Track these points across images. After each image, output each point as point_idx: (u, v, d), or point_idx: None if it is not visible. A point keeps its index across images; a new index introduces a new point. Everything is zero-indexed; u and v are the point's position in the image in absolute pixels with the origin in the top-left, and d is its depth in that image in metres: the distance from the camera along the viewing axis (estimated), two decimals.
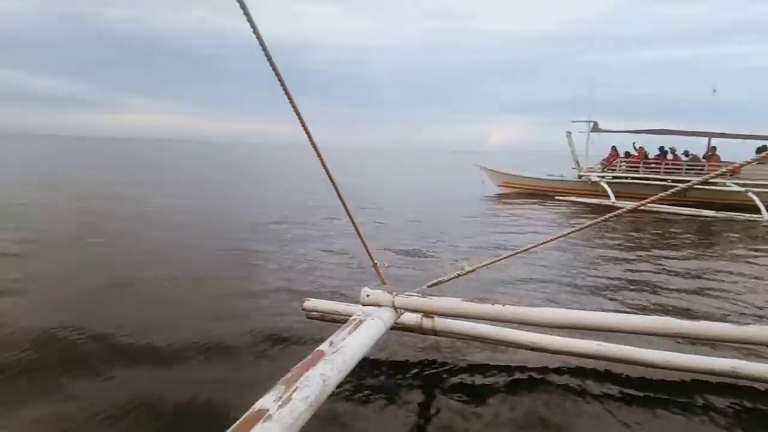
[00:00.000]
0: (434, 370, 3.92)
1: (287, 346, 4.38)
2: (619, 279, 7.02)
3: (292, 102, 2.68)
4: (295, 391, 2.22)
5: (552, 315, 3.36)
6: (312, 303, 4.45)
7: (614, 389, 3.67)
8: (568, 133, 20.40)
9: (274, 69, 2.52)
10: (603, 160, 20.44)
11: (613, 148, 20.44)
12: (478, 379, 3.79)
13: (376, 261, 3.65)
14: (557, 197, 18.33)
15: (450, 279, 3.59)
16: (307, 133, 2.84)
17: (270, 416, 2.04)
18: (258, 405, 2.16)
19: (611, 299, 6.02)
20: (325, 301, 4.49)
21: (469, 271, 3.52)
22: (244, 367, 3.97)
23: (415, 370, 3.91)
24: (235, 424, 2.04)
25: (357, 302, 4.22)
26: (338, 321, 4.33)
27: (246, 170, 32.28)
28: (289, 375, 2.39)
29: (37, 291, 5.78)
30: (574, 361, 3.96)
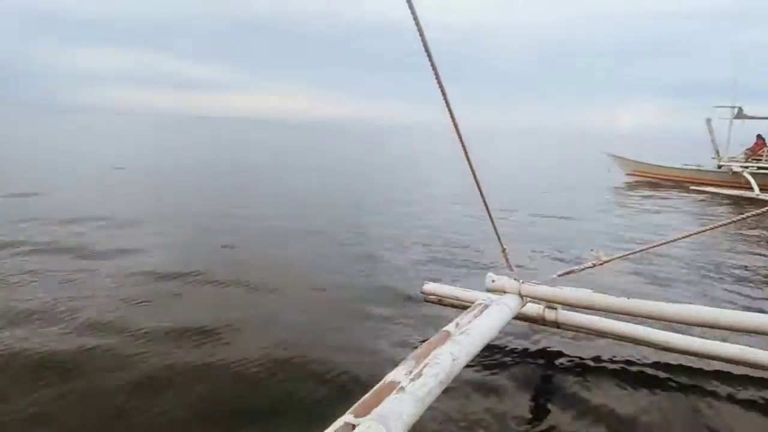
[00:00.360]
0: (553, 361, 3.83)
1: (406, 325, 4.47)
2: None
3: (440, 85, 2.70)
4: (425, 366, 2.28)
5: (693, 313, 3.13)
6: (431, 286, 4.50)
7: (756, 399, 3.34)
8: (708, 120, 18.64)
9: (427, 51, 2.55)
10: (747, 149, 18.49)
11: (759, 137, 18.41)
12: (599, 375, 3.64)
13: (505, 246, 3.59)
14: (692, 188, 16.89)
15: (583, 269, 3.46)
16: (452, 116, 2.84)
17: (403, 388, 2.11)
18: (390, 377, 2.25)
19: (760, 302, 5.46)
20: (444, 285, 4.51)
21: (605, 262, 3.37)
22: (364, 343, 4.10)
23: (533, 359, 3.85)
24: (367, 394, 2.13)
25: (473, 287, 4.23)
26: (456, 306, 4.35)
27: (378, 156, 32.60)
28: (418, 351, 2.45)
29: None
30: (712, 365, 3.66)
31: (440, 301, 4.48)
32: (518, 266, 3.82)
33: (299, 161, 24.83)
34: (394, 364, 2.43)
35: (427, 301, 4.55)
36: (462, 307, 4.28)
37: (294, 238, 7.83)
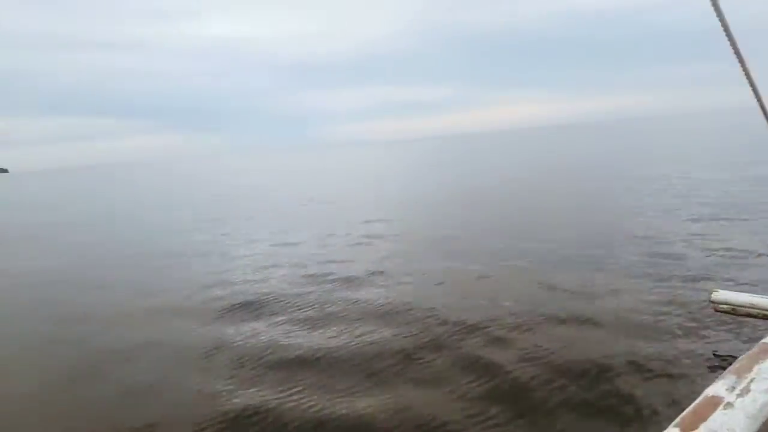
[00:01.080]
0: None
1: (697, 340, 4.16)
2: None
3: (742, 63, 2.59)
4: (751, 382, 2.16)
5: None
6: (722, 295, 4.11)
7: None
8: None
9: (725, 26, 2.50)
10: None
11: None
12: None
13: None
14: None
15: None
16: (756, 93, 2.67)
17: (730, 404, 2.04)
18: (710, 392, 2.18)
19: None
20: (739, 293, 4.09)
21: None
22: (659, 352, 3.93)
23: None
24: (688, 409, 2.10)
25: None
26: (753, 316, 3.92)
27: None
28: (737, 365, 2.32)
29: None
30: None
31: (734, 311, 4.07)
32: None
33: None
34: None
35: (717, 311, 4.17)
36: (764, 317, 3.85)
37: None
